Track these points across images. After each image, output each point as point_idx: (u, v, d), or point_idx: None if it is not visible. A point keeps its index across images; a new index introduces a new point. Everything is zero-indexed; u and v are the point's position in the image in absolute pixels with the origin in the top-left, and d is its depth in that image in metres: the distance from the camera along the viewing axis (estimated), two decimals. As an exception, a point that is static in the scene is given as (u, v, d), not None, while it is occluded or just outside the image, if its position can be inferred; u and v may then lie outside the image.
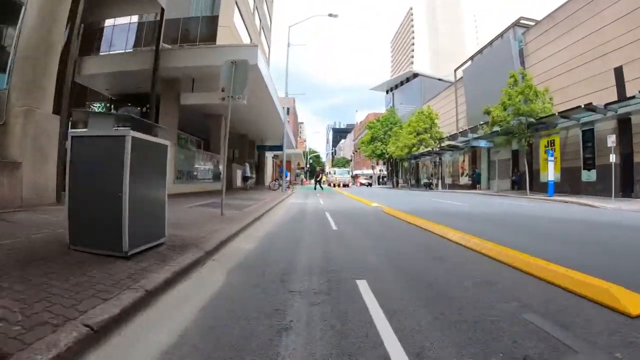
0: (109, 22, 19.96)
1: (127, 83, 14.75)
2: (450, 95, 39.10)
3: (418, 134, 32.96)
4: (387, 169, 58.92)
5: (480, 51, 34.03)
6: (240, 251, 4.34)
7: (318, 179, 27.64)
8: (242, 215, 7.15)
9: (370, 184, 54.10)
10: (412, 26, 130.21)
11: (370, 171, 69.27)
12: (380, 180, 63.54)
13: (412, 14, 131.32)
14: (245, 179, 19.70)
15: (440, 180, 34.74)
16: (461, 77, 36.54)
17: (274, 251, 4.35)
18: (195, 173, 15.05)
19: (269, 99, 15.68)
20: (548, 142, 23.67)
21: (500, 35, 31.48)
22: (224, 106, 16.31)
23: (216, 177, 17.68)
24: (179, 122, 17.22)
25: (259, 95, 14.98)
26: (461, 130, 31.47)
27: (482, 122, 27.37)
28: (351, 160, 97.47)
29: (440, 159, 36.12)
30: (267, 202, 11.00)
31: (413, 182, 46.68)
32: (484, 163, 31.16)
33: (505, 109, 21.60)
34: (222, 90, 7.38)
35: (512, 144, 24.11)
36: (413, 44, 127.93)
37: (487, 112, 22.12)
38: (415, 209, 10.03)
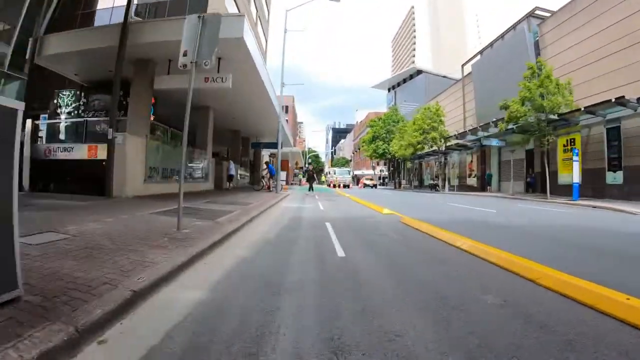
0: (102, 5, 17.89)
1: (97, 67, 12.68)
2: (457, 92, 37.12)
3: (424, 132, 30.94)
4: (388, 170, 56.85)
5: (490, 44, 32.07)
6: (167, 315, 2.29)
7: (311, 183, 23.54)
8: (209, 230, 5.12)
9: (375, 185, 48.67)
10: (414, 25, 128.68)
11: (370, 171, 67.20)
12: (381, 181, 61.37)
13: (413, 13, 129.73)
14: (229, 178, 17.59)
15: (447, 182, 32.73)
16: (469, 73, 34.61)
17: (230, 318, 2.27)
18: (178, 171, 12.97)
19: (259, 84, 13.62)
20: (567, 140, 21.82)
21: (513, 27, 29.54)
22: (212, 96, 14.20)
23: (205, 175, 15.62)
24: (161, 115, 15.19)
25: (248, 79, 12.94)
26: (471, 128, 29.46)
27: (494, 119, 25.45)
28: (351, 161, 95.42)
29: (445, 159, 34.11)
30: (253, 207, 8.97)
31: (416, 183, 44.65)
32: (494, 163, 29.24)
33: (523, 104, 19.65)
34: (184, 55, 5.34)
35: (528, 143, 22.21)
36: (414, 43, 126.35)
37: (505, 107, 20.13)
38: (441, 218, 7.94)
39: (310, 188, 22.83)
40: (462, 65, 37.14)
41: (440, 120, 31.74)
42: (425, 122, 31.19)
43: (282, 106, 44.56)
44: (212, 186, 16.87)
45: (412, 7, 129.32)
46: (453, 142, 31.88)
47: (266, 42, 35.51)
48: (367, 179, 51.98)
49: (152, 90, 11.04)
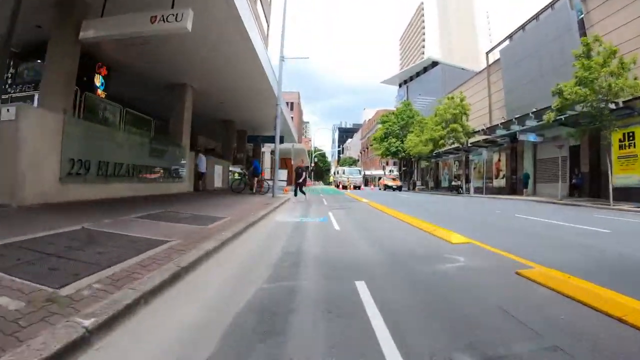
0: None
1: (21, 22, 9.06)
2: (481, 82, 33.13)
3: (447, 125, 27.02)
4: (399, 170, 52.69)
5: (522, 27, 28.08)
6: None
7: (300, 181, 15.47)
8: None
9: (399, 187, 36.39)
10: (423, 22, 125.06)
11: (379, 171, 63.22)
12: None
13: (422, 9, 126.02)
14: (199, 176, 13.76)
15: (471, 183, 28.75)
16: (496, 61, 30.60)
17: None
18: (128, 165, 9.27)
19: (248, 49, 9.86)
20: (624, 135, 17.92)
21: (551, 5, 25.54)
22: (188, 69, 10.06)
23: (174, 173, 11.85)
24: (116, 92, 11.60)
25: (232, 40, 9.22)
26: (503, 120, 25.49)
27: (534, 109, 21.53)
28: (358, 160, 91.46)
29: (467, 157, 30.07)
30: (219, 227, 5.23)
31: (432, 184, 40.57)
32: (529, 162, 25.21)
33: (580, 86, 15.75)
34: None
35: (584, 136, 18.32)
36: (424, 40, 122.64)
37: (559, 92, 16.19)
38: (575, 259, 3.95)
39: (297, 191, 15.19)
40: (487, 53, 33.12)
41: (465, 113, 27.81)
42: (447, 111, 27.24)
43: (287, 103, 40.78)
44: (190, 187, 13.14)
45: (422, 4, 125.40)
46: (479, 137, 27.90)
47: (268, 27, 31.87)
48: (388, 178, 39.78)
49: (77, 42, 7.31)
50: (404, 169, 49.31)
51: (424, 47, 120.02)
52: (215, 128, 20.58)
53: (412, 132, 35.99)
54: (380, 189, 37.19)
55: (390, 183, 36.33)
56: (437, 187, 39.11)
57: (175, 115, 12.39)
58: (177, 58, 10.84)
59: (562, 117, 18.15)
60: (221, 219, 5.80)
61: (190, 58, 10.84)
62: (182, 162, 12.13)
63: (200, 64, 11.29)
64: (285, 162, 36.05)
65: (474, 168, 30.79)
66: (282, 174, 18.91)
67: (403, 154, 40.40)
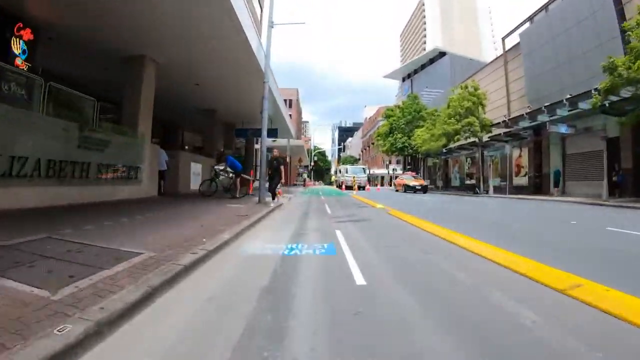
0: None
1: None
2: (497, 71, 30.20)
3: (462, 118, 24.07)
4: (404, 168, 49.67)
5: (544, 7, 25.14)
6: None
7: (276, 182, 11.08)
8: None
9: (424, 188, 27.95)
10: (424, 17, 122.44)
11: (383, 170, 60.36)
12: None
13: (423, 4, 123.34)
14: (161, 175, 10.87)
15: (489, 182, 25.81)
16: (514, 46, 27.64)
17: None
18: (38, 161, 6.36)
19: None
20: (678, 123, 15.10)
21: (578, -19, 22.60)
22: (149, 33, 7.50)
23: (126, 172, 8.91)
24: (64, 73, 8.75)
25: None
26: (529, 110, 22.55)
27: (569, 95, 18.61)
28: (359, 159, 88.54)
29: (483, 153, 27.09)
30: (104, 284, 2.37)
31: (440, 183, 37.63)
32: (556, 158, 22.28)
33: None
34: None
35: (627, 124, 15.48)
36: (425, 36, 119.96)
37: (611, 68, 13.30)
38: None
39: (272, 194, 10.74)
40: (503, 38, 30.18)
41: (481, 103, 24.88)
42: (461, 103, 24.31)
43: (285, 100, 37.74)
44: (153, 190, 10.19)
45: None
46: (498, 131, 24.95)
47: (261, 10, 28.98)
48: (409, 177, 30.89)
49: None
50: (408, 167, 46.38)
51: (425, 42, 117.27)
52: (200, 121, 17.70)
53: (421, 126, 32.97)
54: (397, 190, 30.38)
55: (412, 183, 28.06)
56: (446, 186, 36.22)
57: (129, 95, 9.44)
58: (132, 20, 7.98)
59: (605, 103, 15.36)
60: (122, 262, 2.86)
61: (149, 19, 7.96)
62: (138, 157, 9.19)
63: (163, 29, 8.41)
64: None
65: (490, 165, 27.85)
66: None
67: (410, 150, 37.43)
